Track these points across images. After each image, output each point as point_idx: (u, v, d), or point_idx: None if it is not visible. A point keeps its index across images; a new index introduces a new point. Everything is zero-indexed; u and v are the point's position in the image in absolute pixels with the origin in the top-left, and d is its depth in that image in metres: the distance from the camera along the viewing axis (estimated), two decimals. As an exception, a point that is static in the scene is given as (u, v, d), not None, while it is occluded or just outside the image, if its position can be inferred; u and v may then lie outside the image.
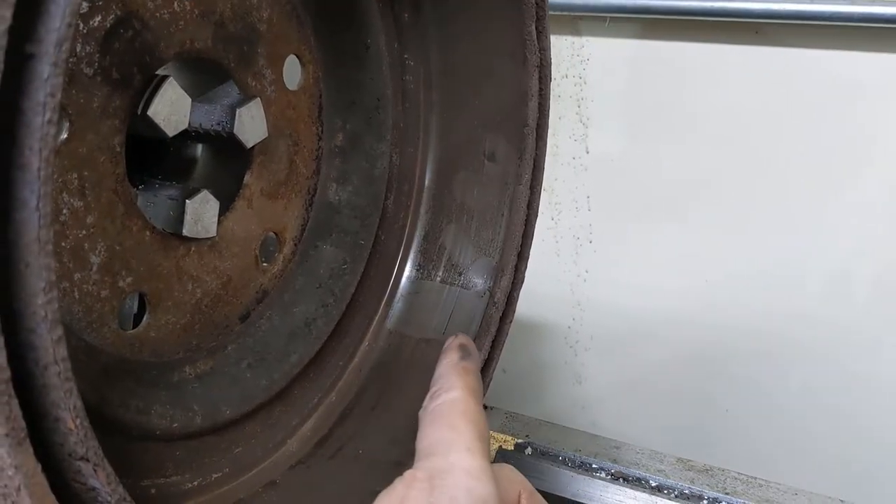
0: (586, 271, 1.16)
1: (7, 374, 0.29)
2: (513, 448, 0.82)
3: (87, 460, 0.32)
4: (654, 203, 1.10)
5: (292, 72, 0.56)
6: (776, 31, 1.00)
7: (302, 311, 0.59)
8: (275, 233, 0.57)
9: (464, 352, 0.49)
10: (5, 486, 0.30)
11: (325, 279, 0.61)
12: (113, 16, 0.42)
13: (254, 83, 0.53)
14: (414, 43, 0.64)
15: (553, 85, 0.65)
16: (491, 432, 0.82)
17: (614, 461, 0.74)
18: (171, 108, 0.46)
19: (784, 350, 1.06)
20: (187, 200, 0.49)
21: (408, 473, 0.41)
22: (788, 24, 0.99)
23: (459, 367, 0.48)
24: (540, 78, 0.61)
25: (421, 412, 0.46)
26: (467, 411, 0.44)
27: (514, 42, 0.60)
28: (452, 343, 0.51)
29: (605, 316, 1.16)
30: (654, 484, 0.72)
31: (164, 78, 0.46)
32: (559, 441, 0.84)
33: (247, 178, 0.54)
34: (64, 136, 0.41)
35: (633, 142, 1.11)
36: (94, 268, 0.44)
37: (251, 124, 0.52)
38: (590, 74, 1.11)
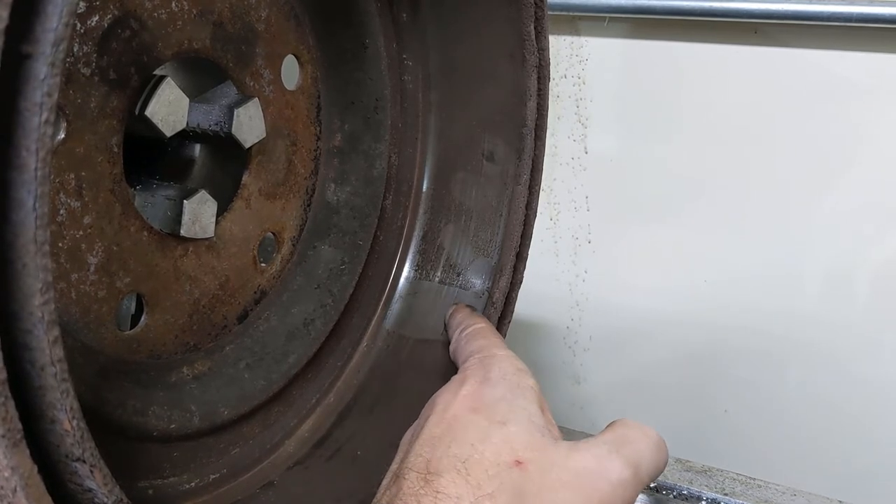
0: (585, 271, 1.16)
1: (3, 374, 0.28)
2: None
3: (84, 461, 0.32)
4: (654, 203, 1.10)
5: (290, 72, 0.56)
6: (775, 31, 1.00)
7: (300, 312, 0.59)
8: (273, 233, 0.57)
9: (472, 308, 0.62)
10: (1, 487, 0.30)
11: (323, 279, 0.61)
12: (110, 16, 0.42)
13: (252, 83, 0.53)
14: (413, 43, 0.63)
15: (552, 85, 0.65)
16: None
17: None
18: (169, 108, 0.46)
19: (783, 350, 1.06)
20: (185, 200, 0.49)
21: (462, 366, 0.52)
22: (787, 25, 0.99)
23: (476, 314, 0.61)
24: (538, 78, 0.61)
25: (453, 345, 0.57)
26: (494, 333, 0.57)
27: (512, 42, 0.60)
28: (460, 305, 0.62)
29: (604, 316, 1.16)
30: (652, 485, 0.72)
31: (162, 78, 0.46)
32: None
33: (245, 178, 0.54)
34: (61, 136, 0.41)
35: (633, 142, 1.11)
36: (92, 268, 0.43)
37: (249, 124, 0.52)
38: (589, 74, 1.10)
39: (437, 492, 0.41)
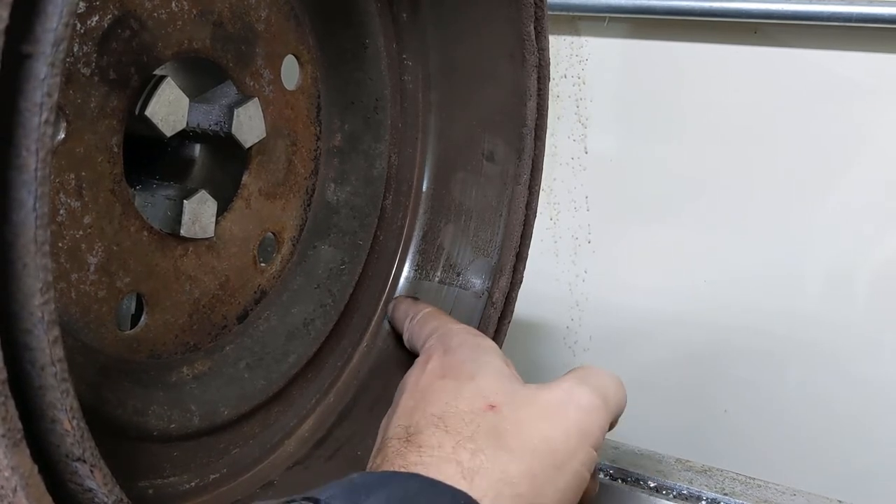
0: (585, 271, 1.16)
1: (4, 374, 0.28)
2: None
3: (84, 461, 0.32)
4: (654, 203, 1.10)
5: (290, 72, 0.56)
6: (775, 31, 1.00)
7: (300, 312, 0.59)
8: (273, 233, 0.57)
9: (413, 298, 0.64)
10: (2, 487, 0.30)
11: (323, 279, 0.61)
12: (110, 16, 0.42)
13: (252, 83, 0.53)
14: (413, 43, 0.63)
15: (552, 85, 0.65)
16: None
17: (613, 461, 0.73)
18: (169, 108, 0.46)
19: (784, 350, 1.06)
20: (185, 200, 0.49)
21: (422, 349, 0.54)
22: (787, 25, 0.99)
23: (420, 301, 0.62)
24: (538, 78, 0.61)
25: (407, 334, 0.59)
26: (443, 313, 0.59)
27: (512, 42, 0.60)
28: (399, 298, 0.64)
29: (603, 316, 1.16)
30: (652, 484, 0.72)
31: (162, 78, 0.46)
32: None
33: (245, 178, 0.54)
34: (61, 136, 0.41)
35: (632, 142, 1.11)
36: (92, 268, 0.43)
37: (249, 124, 0.52)
38: (589, 74, 1.10)
39: (420, 446, 0.43)
